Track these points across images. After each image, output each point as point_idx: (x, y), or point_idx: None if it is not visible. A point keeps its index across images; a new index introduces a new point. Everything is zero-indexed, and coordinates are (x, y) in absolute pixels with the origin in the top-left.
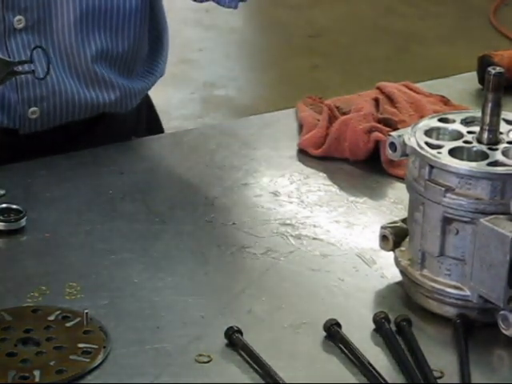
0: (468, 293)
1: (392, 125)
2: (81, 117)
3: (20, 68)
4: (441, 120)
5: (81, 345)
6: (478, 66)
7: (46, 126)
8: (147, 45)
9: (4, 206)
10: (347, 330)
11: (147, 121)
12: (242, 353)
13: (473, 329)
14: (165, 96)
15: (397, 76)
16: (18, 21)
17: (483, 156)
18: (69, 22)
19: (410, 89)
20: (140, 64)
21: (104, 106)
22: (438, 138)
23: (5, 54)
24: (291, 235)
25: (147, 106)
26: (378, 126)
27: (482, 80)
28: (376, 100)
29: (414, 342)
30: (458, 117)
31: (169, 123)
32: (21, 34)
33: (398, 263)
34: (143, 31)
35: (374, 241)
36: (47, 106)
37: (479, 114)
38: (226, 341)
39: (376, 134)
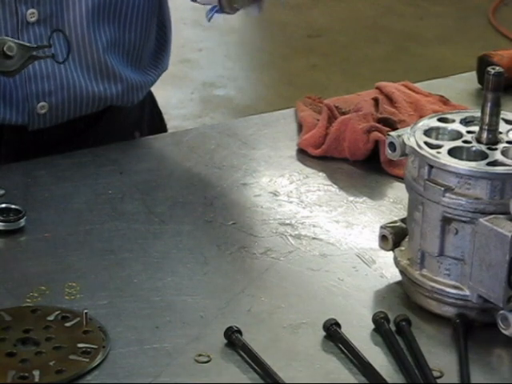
0: (467, 292)
1: (391, 124)
2: (88, 111)
3: (40, 52)
4: (440, 120)
5: (80, 345)
6: (477, 66)
7: (55, 122)
8: (154, 38)
9: (3, 205)
10: (347, 330)
11: (150, 116)
12: (242, 353)
13: (472, 329)
14: (164, 96)
15: (396, 76)
16: (31, 14)
17: (482, 156)
18: (81, 14)
19: (410, 89)
20: (146, 57)
21: (111, 99)
22: (437, 138)
23: None
24: (291, 235)
25: (150, 101)
26: (378, 125)
27: (481, 80)
28: (375, 100)
29: (413, 342)
30: (458, 116)
31: (168, 123)
32: (33, 27)
33: (397, 263)
34: (151, 24)
35: (373, 240)
36: (56, 101)
37: (478, 114)
38: (225, 341)
39: (375, 134)
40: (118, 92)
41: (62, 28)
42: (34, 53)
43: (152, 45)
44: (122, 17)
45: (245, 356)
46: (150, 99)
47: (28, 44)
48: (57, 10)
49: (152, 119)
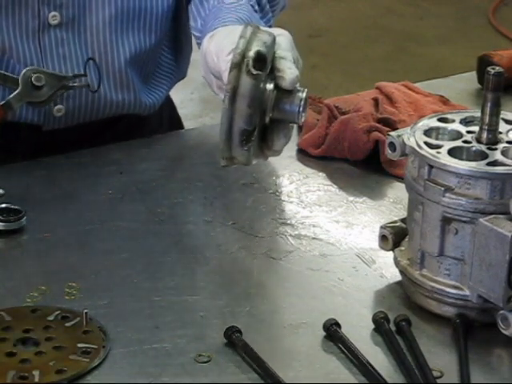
0: (467, 292)
1: (391, 124)
2: (104, 116)
3: (76, 81)
4: (440, 120)
5: (80, 345)
6: (477, 66)
7: (70, 124)
8: (170, 48)
9: (3, 205)
10: (347, 330)
11: (169, 121)
12: (242, 353)
13: (472, 329)
14: None
15: (396, 76)
16: (53, 17)
17: (482, 156)
18: (104, 21)
19: (410, 89)
20: (163, 66)
21: (129, 107)
22: (437, 138)
23: (37, 49)
24: (291, 235)
25: (169, 106)
26: (378, 125)
27: (481, 80)
28: (375, 100)
29: (413, 342)
30: (458, 116)
31: None
32: (55, 30)
33: (397, 263)
34: (167, 33)
35: (373, 240)
36: (73, 105)
37: (478, 114)
38: (225, 341)
39: (375, 134)
40: (136, 102)
41: (84, 34)
42: (69, 82)
43: (168, 53)
44: (146, 26)
45: (245, 356)
46: (169, 105)
47: (62, 74)
48: (79, 14)
49: (171, 123)
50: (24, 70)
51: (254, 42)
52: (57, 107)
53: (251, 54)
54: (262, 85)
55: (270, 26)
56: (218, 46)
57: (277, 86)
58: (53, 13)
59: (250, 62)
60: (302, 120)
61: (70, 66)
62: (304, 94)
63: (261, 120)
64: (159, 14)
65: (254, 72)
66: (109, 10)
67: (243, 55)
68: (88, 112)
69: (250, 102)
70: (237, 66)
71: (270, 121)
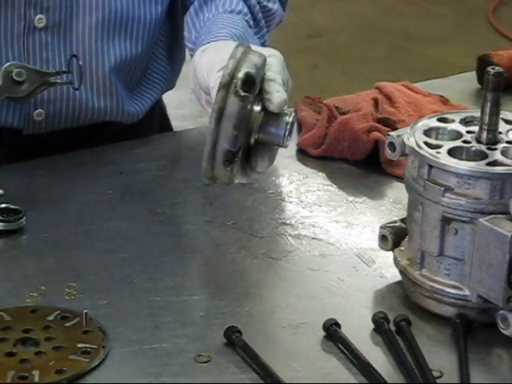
0: (467, 292)
1: (391, 124)
2: (85, 122)
3: (58, 78)
4: (440, 120)
5: (80, 345)
6: (477, 66)
7: (50, 129)
8: (161, 59)
9: (3, 205)
10: (346, 330)
11: (160, 127)
12: (241, 353)
13: (472, 328)
14: (164, 96)
15: (396, 76)
16: (39, 20)
17: (482, 156)
18: (90, 27)
19: (409, 89)
20: (152, 75)
21: (111, 115)
22: (437, 138)
23: (21, 52)
24: (290, 235)
25: (160, 111)
26: (377, 125)
27: (481, 80)
28: (375, 100)
29: (413, 342)
30: (457, 116)
31: None
32: (40, 33)
33: (397, 263)
34: (158, 43)
35: (373, 240)
36: (53, 110)
37: (478, 114)
38: (225, 341)
39: (375, 134)
40: (119, 110)
41: (70, 39)
42: (52, 79)
43: (158, 64)
44: (133, 35)
45: (244, 356)
46: (160, 108)
47: (45, 70)
48: (66, 18)
49: (161, 129)
50: (6, 65)
51: (243, 64)
52: (37, 111)
53: (240, 75)
54: (249, 106)
55: (265, 41)
56: (209, 62)
57: (264, 108)
58: (39, 16)
59: (239, 84)
60: (288, 144)
61: (52, 69)
62: (290, 119)
63: (246, 141)
64: (147, 24)
65: (242, 93)
66: (96, 16)
67: (232, 76)
68: (69, 117)
69: (236, 123)
70: (225, 86)
71: (255, 142)
